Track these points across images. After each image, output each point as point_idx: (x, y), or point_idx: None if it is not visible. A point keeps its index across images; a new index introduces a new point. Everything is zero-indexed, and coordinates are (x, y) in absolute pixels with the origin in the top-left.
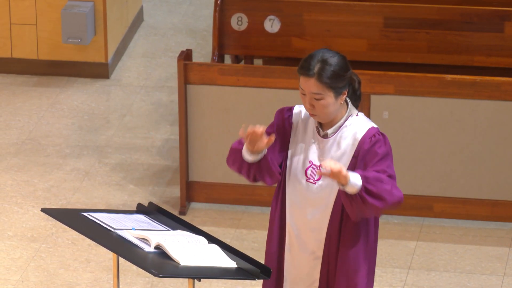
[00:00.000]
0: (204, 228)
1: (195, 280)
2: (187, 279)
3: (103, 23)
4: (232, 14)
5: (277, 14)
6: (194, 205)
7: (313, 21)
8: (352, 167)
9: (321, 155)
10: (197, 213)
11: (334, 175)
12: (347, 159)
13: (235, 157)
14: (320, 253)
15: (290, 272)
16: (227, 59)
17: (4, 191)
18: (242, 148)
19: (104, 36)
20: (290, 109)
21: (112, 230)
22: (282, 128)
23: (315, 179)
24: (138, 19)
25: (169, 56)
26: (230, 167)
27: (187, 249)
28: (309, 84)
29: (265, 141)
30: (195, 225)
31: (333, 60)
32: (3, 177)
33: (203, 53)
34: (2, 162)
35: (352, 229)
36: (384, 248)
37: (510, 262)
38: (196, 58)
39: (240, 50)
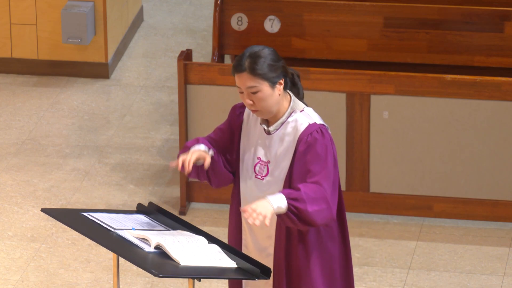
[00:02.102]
0: (204, 228)
1: (195, 280)
2: (187, 279)
3: (103, 23)
4: (232, 14)
5: (277, 14)
6: (194, 205)
7: (313, 21)
8: (293, 163)
9: (267, 152)
10: (197, 213)
11: (261, 218)
12: (290, 156)
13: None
14: (271, 250)
15: None
16: (227, 59)
17: (4, 191)
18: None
19: (104, 36)
20: (243, 106)
21: (112, 230)
22: (234, 125)
23: (263, 175)
24: (138, 19)
25: (169, 56)
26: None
27: (187, 249)
28: (243, 79)
29: (205, 159)
30: (195, 225)
31: (262, 52)
32: (3, 177)
33: (203, 53)
34: (2, 162)
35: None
36: (384, 248)
37: (510, 262)
38: (196, 58)
39: (240, 50)
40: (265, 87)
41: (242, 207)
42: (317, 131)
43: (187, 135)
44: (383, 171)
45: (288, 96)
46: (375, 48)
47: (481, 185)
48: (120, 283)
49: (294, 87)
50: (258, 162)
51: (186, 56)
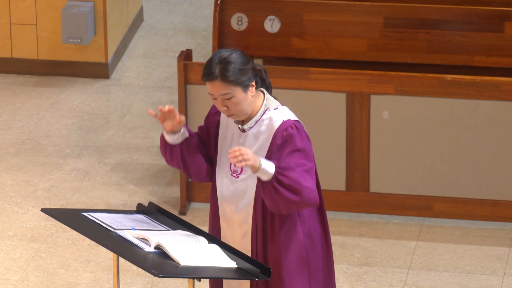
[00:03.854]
0: (204, 228)
1: (195, 280)
2: (187, 279)
3: (103, 23)
4: (232, 14)
5: (277, 14)
6: (194, 205)
7: (313, 21)
8: (269, 159)
9: None
10: (197, 213)
11: (240, 159)
12: (264, 153)
13: (161, 143)
14: (248, 246)
15: None
16: None
17: (4, 191)
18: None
19: (104, 36)
20: None
21: (112, 230)
22: (210, 124)
23: (238, 173)
24: (138, 19)
25: (169, 56)
26: (162, 155)
27: (187, 249)
28: (215, 87)
29: (177, 119)
30: (195, 225)
31: (231, 57)
32: (3, 177)
33: (203, 53)
34: (2, 162)
35: (276, 223)
36: (384, 248)
37: (510, 262)
38: (196, 58)
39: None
40: (238, 92)
41: (235, 147)
42: (291, 127)
43: None
44: (383, 171)
45: (261, 94)
46: (375, 48)
47: (481, 185)
48: (120, 283)
49: (263, 83)
50: None
51: (186, 56)
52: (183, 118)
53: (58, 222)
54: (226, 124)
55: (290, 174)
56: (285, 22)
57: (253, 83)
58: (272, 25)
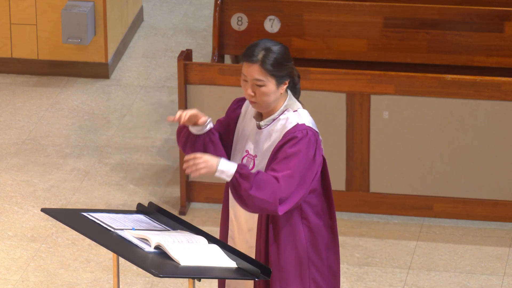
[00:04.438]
0: (204, 228)
1: (195, 280)
2: (187, 279)
3: (103, 23)
4: (232, 14)
5: (277, 14)
6: (194, 205)
7: (313, 21)
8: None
9: (256, 146)
10: (197, 213)
11: (194, 169)
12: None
13: (182, 134)
14: (253, 243)
15: None
16: (227, 59)
17: (4, 191)
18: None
19: (104, 36)
20: (242, 100)
21: (112, 230)
22: (230, 118)
23: (249, 168)
24: (138, 19)
25: (169, 56)
26: (181, 147)
27: (187, 249)
28: (252, 70)
29: (200, 119)
30: (195, 225)
31: (276, 48)
32: (3, 177)
33: (203, 53)
34: (2, 162)
35: (279, 222)
36: (384, 248)
37: (510, 262)
38: (196, 58)
39: (240, 50)
40: (271, 83)
41: (190, 154)
42: (301, 132)
43: None
44: (383, 171)
45: (286, 95)
46: (375, 48)
47: (481, 185)
48: (120, 283)
49: (294, 87)
50: (246, 155)
51: (186, 56)
52: (204, 119)
53: (58, 222)
54: (245, 119)
55: (243, 183)
56: (285, 22)
57: (287, 82)
58: (272, 25)
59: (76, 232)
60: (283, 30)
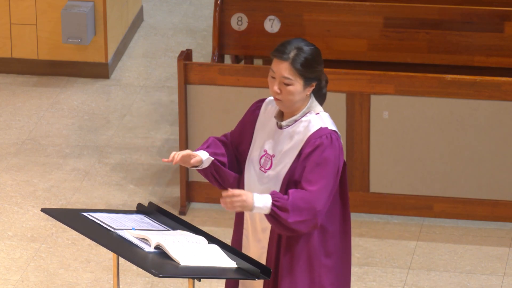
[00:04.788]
0: (204, 228)
1: (195, 280)
2: (187, 279)
3: (103, 23)
4: (232, 14)
5: (277, 14)
6: (194, 205)
7: (313, 21)
8: (297, 163)
9: (275, 145)
10: (197, 213)
11: (230, 206)
12: (295, 153)
13: (200, 173)
14: (265, 243)
15: None
16: (227, 59)
17: (4, 191)
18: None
19: (104, 36)
20: (262, 100)
21: (112, 230)
22: (249, 119)
23: (266, 168)
24: (138, 19)
25: (169, 56)
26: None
27: (187, 249)
28: (281, 68)
29: (196, 159)
30: (195, 225)
31: (308, 49)
32: (3, 177)
33: (203, 53)
34: (2, 162)
35: None
36: (384, 248)
37: (510, 262)
38: (196, 58)
39: (240, 50)
40: (298, 83)
41: (228, 192)
42: (326, 136)
43: (187, 135)
44: (383, 171)
45: (309, 97)
46: (375, 48)
47: (481, 185)
48: (120, 283)
49: (319, 91)
50: (264, 155)
51: (186, 56)
52: (198, 159)
53: (58, 222)
54: (265, 119)
55: (281, 214)
56: (285, 22)
57: (314, 84)
58: (272, 25)
59: (76, 232)
60: (283, 30)
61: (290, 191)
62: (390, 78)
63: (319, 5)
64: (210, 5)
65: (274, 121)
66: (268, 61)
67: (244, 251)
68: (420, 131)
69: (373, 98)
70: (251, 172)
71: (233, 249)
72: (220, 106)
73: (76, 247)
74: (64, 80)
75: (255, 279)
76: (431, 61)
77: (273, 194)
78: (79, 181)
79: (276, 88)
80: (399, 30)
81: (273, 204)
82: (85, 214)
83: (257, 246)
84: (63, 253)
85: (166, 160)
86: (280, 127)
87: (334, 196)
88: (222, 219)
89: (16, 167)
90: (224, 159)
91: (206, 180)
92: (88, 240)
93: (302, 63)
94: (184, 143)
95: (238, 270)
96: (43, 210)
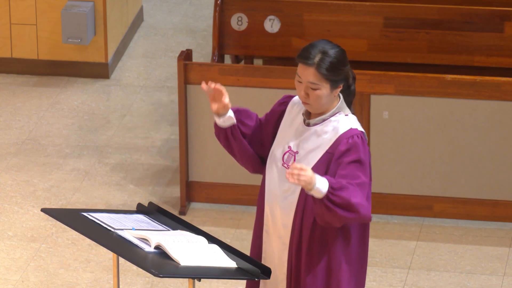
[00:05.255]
0: (204, 228)
1: (195, 280)
2: (187, 279)
3: (103, 23)
4: (232, 14)
5: (277, 14)
6: (194, 205)
7: (313, 21)
8: (323, 161)
9: (299, 143)
10: (197, 213)
11: (296, 178)
12: (321, 152)
13: (214, 125)
14: (286, 240)
15: (265, 256)
16: (227, 59)
17: (4, 191)
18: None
19: (104, 36)
20: (290, 96)
21: (112, 230)
22: (275, 113)
23: (289, 164)
24: (138, 19)
25: (169, 56)
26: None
27: (187, 249)
28: (307, 73)
29: (222, 103)
30: (195, 225)
31: (333, 52)
32: (3, 177)
33: (203, 53)
34: (2, 162)
35: (316, 224)
36: (384, 248)
37: (510, 262)
38: (196, 58)
39: (240, 50)
40: (325, 87)
41: (298, 164)
42: (357, 136)
43: (187, 135)
44: (383, 171)
45: (338, 97)
46: (375, 48)
47: (481, 185)
48: (120, 283)
49: (348, 89)
50: (288, 151)
51: (186, 56)
52: (226, 102)
53: (58, 222)
54: (291, 115)
55: (342, 194)
56: (285, 22)
57: (341, 86)
58: (272, 25)
59: (76, 232)
60: (283, 30)
61: (341, 179)
62: (390, 78)
63: (319, 5)
64: (210, 5)
65: (300, 118)
66: (267, 61)
67: (265, 246)
68: (420, 131)
69: (373, 98)
70: (273, 169)
71: (233, 249)
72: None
73: (76, 247)
74: (64, 80)
75: (255, 279)
76: (431, 61)
77: (327, 178)
78: (79, 181)
79: (303, 92)
80: (399, 30)
81: (330, 187)
82: (85, 214)
83: (277, 242)
84: (63, 253)
85: (205, 86)
86: (308, 125)
87: None
88: (222, 219)
89: (16, 167)
90: (247, 131)
91: (206, 180)
92: (88, 240)
93: (327, 68)
94: (184, 143)
95: (238, 270)
96: (43, 210)
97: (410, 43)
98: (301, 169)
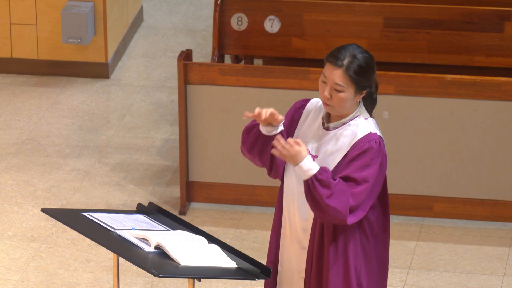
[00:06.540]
0: (204, 228)
1: (195, 280)
2: (187, 279)
3: (103, 23)
4: (232, 14)
5: (277, 14)
6: (194, 205)
7: (313, 21)
8: (341, 165)
9: (319, 146)
10: (197, 213)
11: (279, 149)
12: (340, 156)
13: (251, 132)
14: (305, 243)
15: (283, 261)
16: (227, 59)
17: (4, 191)
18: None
19: (104, 36)
20: (306, 100)
21: (112, 230)
22: (292, 118)
23: None
24: (138, 19)
25: (169, 56)
26: (243, 144)
27: (187, 249)
28: (335, 74)
29: (278, 120)
30: (195, 225)
31: (362, 57)
32: (3, 177)
33: (203, 53)
34: (2, 162)
35: (337, 229)
36: None
37: (510, 262)
38: (196, 58)
39: (240, 50)
40: (350, 90)
41: (291, 139)
42: (375, 141)
43: (187, 135)
44: None
45: (358, 103)
46: (375, 48)
47: (481, 185)
48: (120, 283)
49: (370, 97)
50: None
51: (186, 56)
52: (281, 118)
53: (58, 222)
54: (309, 119)
55: (322, 189)
56: (285, 22)
57: (364, 92)
58: (272, 25)
59: (76, 232)
60: (283, 30)
61: (339, 180)
62: (390, 78)
63: (319, 5)
64: (210, 5)
65: (319, 122)
66: (267, 61)
67: (282, 249)
68: (420, 131)
69: None
70: (291, 172)
71: (233, 249)
72: (220, 106)
73: (76, 247)
74: (64, 80)
75: (254, 279)
76: (431, 61)
77: (322, 167)
78: (79, 181)
79: (326, 93)
80: (399, 30)
81: (319, 174)
82: (85, 214)
83: (296, 247)
84: (63, 253)
85: (250, 114)
86: (327, 129)
87: (376, 207)
88: (222, 219)
89: (16, 167)
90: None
91: (206, 180)
92: (88, 240)
93: (355, 71)
94: (184, 143)
95: (238, 270)
96: (43, 210)
97: (410, 43)
98: (292, 145)
